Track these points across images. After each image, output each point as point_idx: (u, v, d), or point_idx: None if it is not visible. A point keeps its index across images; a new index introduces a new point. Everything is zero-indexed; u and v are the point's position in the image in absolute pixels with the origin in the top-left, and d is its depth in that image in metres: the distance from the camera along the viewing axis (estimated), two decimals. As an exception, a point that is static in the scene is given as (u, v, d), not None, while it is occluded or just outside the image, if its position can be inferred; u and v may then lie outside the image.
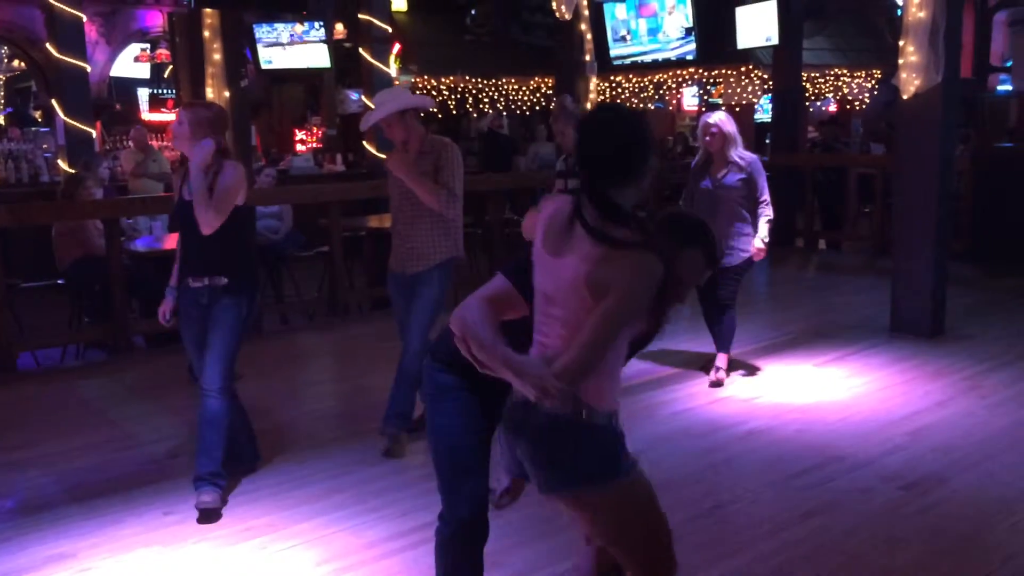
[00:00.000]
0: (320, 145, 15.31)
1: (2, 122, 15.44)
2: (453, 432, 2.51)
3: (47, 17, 9.47)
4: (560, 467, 2.13)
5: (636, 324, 2.11)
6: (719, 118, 5.24)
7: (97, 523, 3.69)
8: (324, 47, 14.12)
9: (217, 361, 3.81)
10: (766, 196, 5.22)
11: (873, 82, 15.03)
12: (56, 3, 9.11)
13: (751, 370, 5.56)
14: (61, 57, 8.98)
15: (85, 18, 9.66)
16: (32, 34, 13.03)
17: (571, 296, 2.06)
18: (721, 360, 5.40)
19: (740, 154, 5.20)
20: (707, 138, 5.23)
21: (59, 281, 6.75)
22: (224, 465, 3.84)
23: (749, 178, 5.18)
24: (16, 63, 15.75)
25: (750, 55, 13.35)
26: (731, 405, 5.03)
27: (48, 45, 9.33)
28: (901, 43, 6.23)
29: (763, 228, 5.22)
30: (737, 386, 5.33)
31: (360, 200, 8.74)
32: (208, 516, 3.68)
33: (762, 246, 5.23)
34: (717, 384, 5.30)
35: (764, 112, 15.39)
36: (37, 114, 15.77)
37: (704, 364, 5.58)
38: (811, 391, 5.24)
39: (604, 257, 2.01)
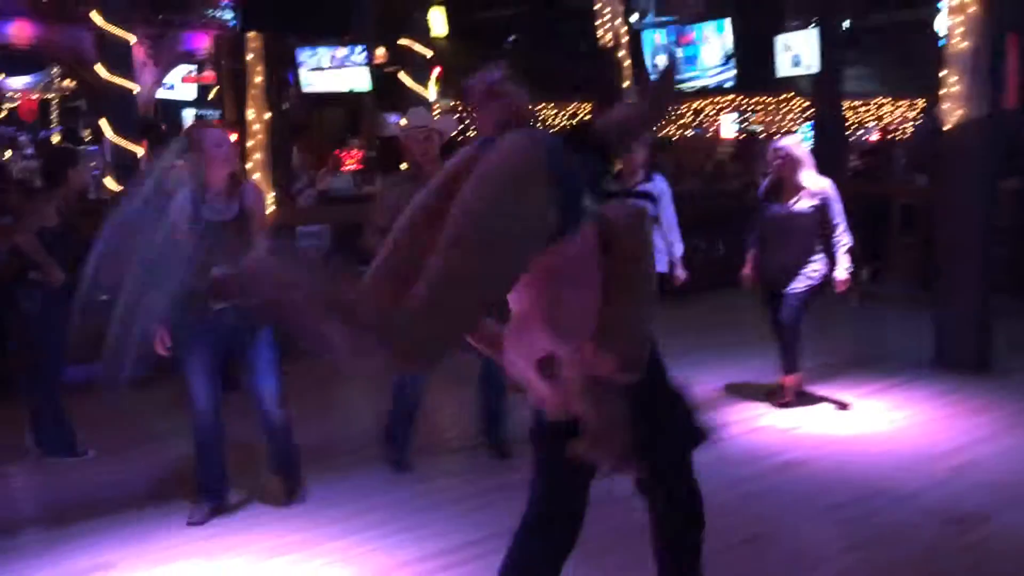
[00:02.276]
0: (360, 167, 15.47)
1: (56, 140, 15.79)
2: None
3: (97, 39, 9.74)
4: None
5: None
6: (788, 142, 5.19)
7: (137, 534, 3.73)
8: (365, 70, 14.30)
9: (270, 382, 3.93)
10: (842, 224, 5.13)
11: (916, 112, 14.90)
12: (106, 25, 9.35)
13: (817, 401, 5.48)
14: (110, 78, 9.19)
15: (134, 40, 9.90)
16: (82, 55, 13.34)
17: None
18: (787, 380, 5.40)
19: (812, 179, 5.13)
20: (777, 162, 5.16)
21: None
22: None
23: (822, 205, 5.11)
24: (67, 83, 16.12)
25: (790, 83, 13.31)
26: (769, 435, 4.96)
27: (98, 66, 9.56)
28: (944, 73, 6.18)
29: (844, 259, 5.13)
30: (775, 416, 5.27)
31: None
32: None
33: (845, 276, 5.15)
34: (781, 405, 5.33)
35: (804, 140, 15.33)
36: (86, 133, 16.12)
37: (743, 392, 5.55)
38: (852, 423, 5.15)
39: None
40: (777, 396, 5.41)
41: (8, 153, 14.09)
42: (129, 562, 3.50)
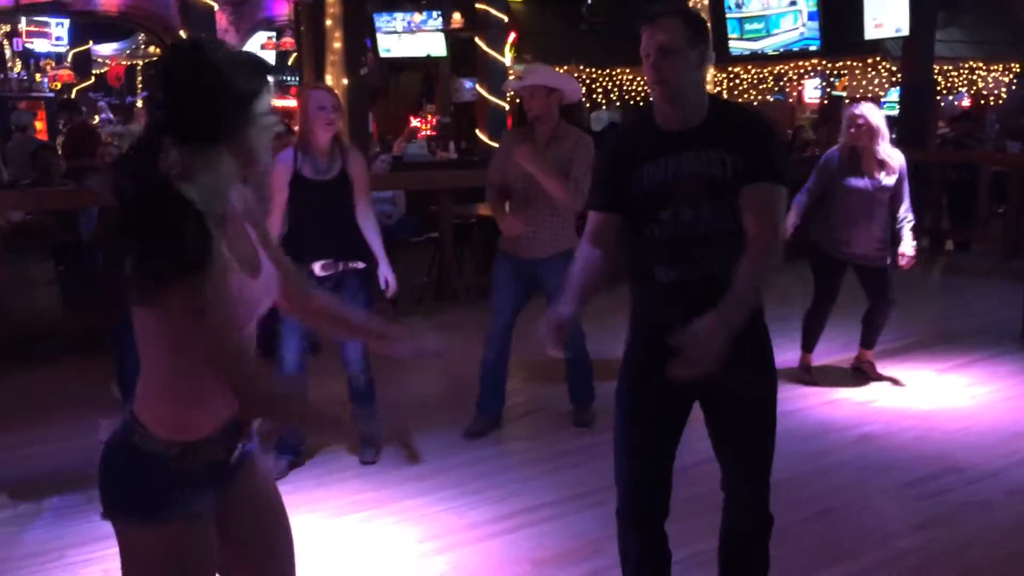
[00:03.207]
0: (434, 132, 15.55)
1: (140, 105, 16.28)
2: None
3: (181, 5, 9.94)
4: (102, 491, 1.78)
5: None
6: (866, 109, 4.99)
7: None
8: (441, 36, 14.32)
9: (356, 346, 3.98)
10: (908, 200, 5.02)
11: (1011, 76, 14.23)
12: (190, -8, 9.53)
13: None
14: (194, 44, 9.36)
15: (216, 6, 10.08)
16: (166, 21, 13.67)
17: None
18: (869, 354, 5.36)
19: (889, 151, 4.95)
20: (852, 130, 4.94)
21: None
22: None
23: (900, 179, 4.98)
24: (152, 49, 16.55)
25: (878, 46, 12.84)
26: (845, 408, 4.87)
27: (181, 32, 9.77)
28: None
29: (909, 235, 5.02)
30: (852, 389, 5.16)
31: (471, 188, 8.85)
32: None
33: (912, 252, 5.05)
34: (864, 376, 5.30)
35: (888, 107, 14.79)
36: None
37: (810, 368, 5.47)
38: (931, 398, 5.02)
39: None
40: (864, 371, 5.33)
41: (96, 118, 14.59)
42: (209, 514, 3.64)
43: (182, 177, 1.62)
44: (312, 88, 4.34)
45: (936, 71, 12.06)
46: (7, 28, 15.31)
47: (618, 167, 2.39)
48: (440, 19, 14.18)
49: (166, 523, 1.71)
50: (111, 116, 15.07)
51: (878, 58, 13.25)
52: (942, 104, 14.82)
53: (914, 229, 5.07)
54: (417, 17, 14.36)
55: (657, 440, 2.46)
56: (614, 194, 2.39)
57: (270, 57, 16.55)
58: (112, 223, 1.55)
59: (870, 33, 12.21)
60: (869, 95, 13.65)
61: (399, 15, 14.38)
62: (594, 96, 15.54)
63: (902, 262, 5.03)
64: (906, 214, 5.01)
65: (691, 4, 9.54)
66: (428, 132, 15.72)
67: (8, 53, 15.68)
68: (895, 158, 4.96)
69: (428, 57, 14.82)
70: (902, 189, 4.99)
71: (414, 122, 15.92)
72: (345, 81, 8.79)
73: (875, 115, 4.95)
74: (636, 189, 2.34)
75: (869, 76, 13.59)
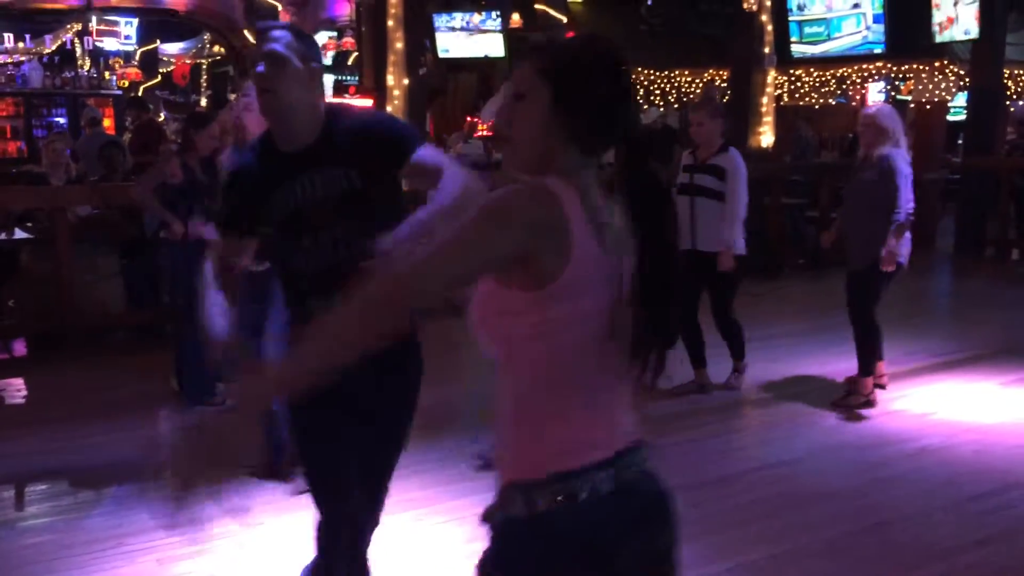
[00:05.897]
0: (491, 133, 15.57)
1: (204, 104, 16.63)
2: None
3: (246, 5, 10.12)
4: None
5: None
6: (876, 110, 4.84)
7: (269, 483, 3.94)
8: (500, 36, 14.35)
9: None
10: (900, 203, 4.55)
11: (1086, 80, 13.75)
12: (255, -8, 9.69)
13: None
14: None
15: (280, 6, 10.24)
16: (231, 21, 13.91)
17: None
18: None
19: (884, 153, 4.65)
20: (860, 128, 4.87)
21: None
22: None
23: (882, 178, 4.62)
24: (216, 48, 16.87)
25: (945, 49, 12.53)
26: (903, 420, 4.76)
27: (246, 32, 9.94)
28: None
29: (889, 238, 4.56)
30: (911, 400, 5.04)
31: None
32: None
33: (884, 253, 4.58)
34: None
35: (955, 112, 14.40)
36: (233, 97, 16.85)
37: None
38: (993, 411, 4.88)
39: None
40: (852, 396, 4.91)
41: (162, 116, 14.93)
42: (260, 508, 3.69)
43: None
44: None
45: (1006, 75, 11.74)
46: (78, 27, 15.72)
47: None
48: (499, 20, 14.21)
49: None
50: (167, 114, 15.41)
51: (945, 61, 12.93)
52: (1011, 109, 14.41)
53: (899, 231, 4.58)
54: (476, 17, 14.41)
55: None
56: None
57: (328, 57, 16.78)
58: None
59: (939, 36, 11.92)
60: (935, 99, 13.33)
61: (458, 15, 14.45)
62: (652, 99, 15.43)
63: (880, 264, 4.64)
64: (896, 214, 4.56)
65: (752, 5, 9.42)
66: (484, 132, 15.75)
67: (79, 51, 16.11)
68: (885, 158, 4.62)
69: (486, 58, 14.86)
70: (890, 186, 4.57)
71: (471, 122, 15.98)
72: (406, 81, 8.86)
73: (884, 117, 4.75)
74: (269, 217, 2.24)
75: (936, 80, 13.27)
